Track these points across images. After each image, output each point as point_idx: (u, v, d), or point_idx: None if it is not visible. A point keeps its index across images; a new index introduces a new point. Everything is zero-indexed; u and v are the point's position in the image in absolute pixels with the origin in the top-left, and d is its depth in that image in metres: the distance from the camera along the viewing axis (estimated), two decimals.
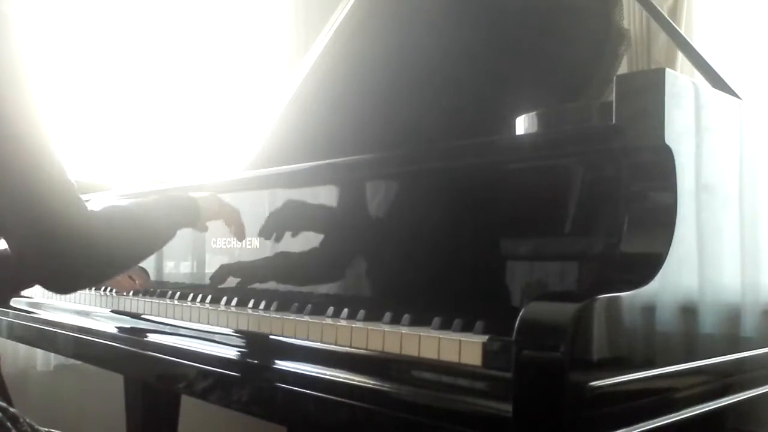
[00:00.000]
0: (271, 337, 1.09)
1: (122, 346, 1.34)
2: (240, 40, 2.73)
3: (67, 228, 1.00)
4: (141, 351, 1.28)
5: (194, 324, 1.26)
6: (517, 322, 0.74)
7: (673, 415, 0.82)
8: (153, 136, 2.53)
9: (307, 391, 0.94)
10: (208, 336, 1.21)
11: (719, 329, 0.96)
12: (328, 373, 0.93)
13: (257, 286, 1.34)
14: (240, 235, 1.33)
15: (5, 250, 1.06)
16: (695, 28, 2.31)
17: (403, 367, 0.88)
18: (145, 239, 1.17)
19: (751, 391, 0.99)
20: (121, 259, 1.14)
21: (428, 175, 1.11)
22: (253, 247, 1.36)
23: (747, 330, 1.01)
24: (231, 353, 1.11)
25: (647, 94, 0.87)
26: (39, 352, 2.20)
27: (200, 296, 1.35)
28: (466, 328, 0.91)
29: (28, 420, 1.11)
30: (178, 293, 1.44)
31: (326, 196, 1.27)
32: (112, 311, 1.51)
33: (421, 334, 0.88)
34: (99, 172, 2.36)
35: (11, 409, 1.10)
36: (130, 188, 1.82)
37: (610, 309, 0.76)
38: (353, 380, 0.90)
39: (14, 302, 1.83)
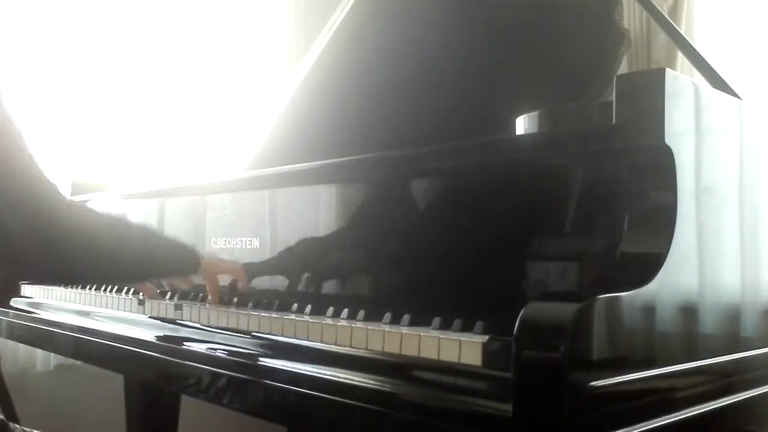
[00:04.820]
0: (270, 337, 1.09)
1: (122, 346, 1.34)
2: (240, 39, 2.73)
3: (51, 219, 1.07)
4: (141, 351, 1.28)
5: (194, 324, 1.26)
6: (517, 322, 0.74)
7: (673, 415, 0.82)
8: (153, 136, 2.53)
9: (307, 392, 0.94)
10: (209, 336, 1.21)
11: (719, 329, 0.95)
12: (328, 373, 0.93)
13: (256, 286, 1.34)
14: (244, 287, 1.32)
15: None
16: (695, 28, 2.31)
17: (403, 367, 0.88)
18: (131, 255, 1.19)
19: (751, 391, 0.99)
20: (94, 262, 1.15)
21: (428, 175, 1.11)
22: (253, 247, 1.36)
23: (747, 330, 1.01)
24: (230, 353, 1.11)
25: (647, 94, 0.87)
26: (39, 352, 2.20)
27: (200, 296, 1.35)
28: (466, 328, 0.91)
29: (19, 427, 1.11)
30: (178, 293, 1.44)
31: (326, 196, 1.27)
32: (112, 311, 1.51)
33: (421, 334, 0.88)
34: (99, 172, 2.36)
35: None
36: (130, 188, 1.82)
37: (610, 309, 0.76)
38: (353, 380, 0.90)
39: (14, 302, 1.83)
